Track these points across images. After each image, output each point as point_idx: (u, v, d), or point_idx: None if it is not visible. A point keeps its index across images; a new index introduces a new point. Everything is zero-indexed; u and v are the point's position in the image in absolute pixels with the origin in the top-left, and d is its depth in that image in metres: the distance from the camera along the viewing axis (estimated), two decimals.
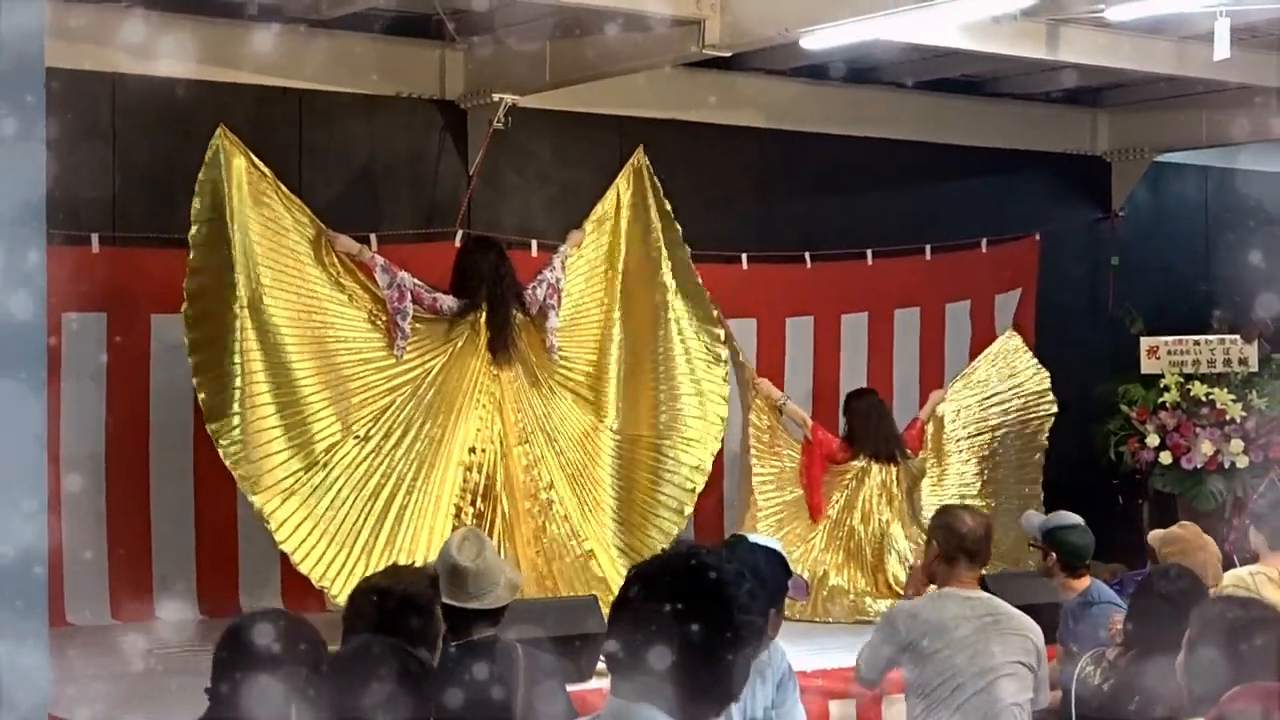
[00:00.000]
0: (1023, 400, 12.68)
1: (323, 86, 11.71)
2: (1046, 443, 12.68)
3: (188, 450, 11.07)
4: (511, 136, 11.89)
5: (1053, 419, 12.71)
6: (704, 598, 3.04)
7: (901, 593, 11.40)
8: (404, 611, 5.10)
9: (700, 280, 11.09)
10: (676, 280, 10.96)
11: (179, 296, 10.46)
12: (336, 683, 4.05)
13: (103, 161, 10.90)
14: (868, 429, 11.92)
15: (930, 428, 12.33)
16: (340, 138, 11.90)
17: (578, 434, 10.70)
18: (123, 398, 10.98)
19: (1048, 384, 12.77)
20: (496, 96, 11.62)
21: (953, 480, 12.27)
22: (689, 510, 10.93)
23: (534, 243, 12.01)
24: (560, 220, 11.67)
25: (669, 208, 10.93)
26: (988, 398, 12.63)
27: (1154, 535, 7.66)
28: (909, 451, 12.03)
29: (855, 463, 11.86)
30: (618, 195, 10.97)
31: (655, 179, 10.91)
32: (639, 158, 10.95)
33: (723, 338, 11.18)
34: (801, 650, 8.97)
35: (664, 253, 10.91)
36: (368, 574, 9.40)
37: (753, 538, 5.61)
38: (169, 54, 10.81)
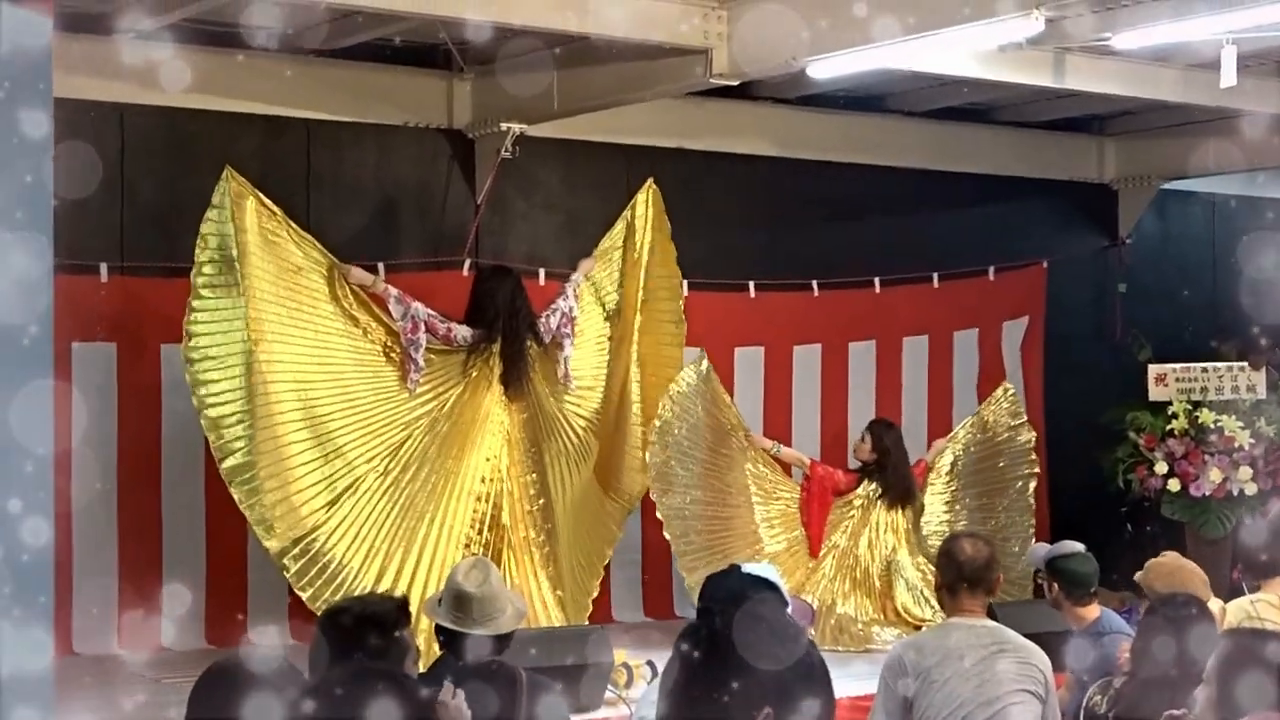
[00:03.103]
0: (1009, 458, 12.67)
1: (330, 116, 11.74)
2: (1033, 502, 12.68)
3: (198, 480, 11.07)
4: (519, 165, 11.91)
5: (1035, 479, 12.71)
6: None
7: (911, 620, 11.42)
8: (362, 629, 5.11)
9: (681, 313, 11.16)
10: (652, 308, 11.03)
11: None
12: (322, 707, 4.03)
13: (111, 191, 10.93)
14: (892, 466, 11.92)
15: (931, 474, 12.39)
16: (348, 167, 11.93)
17: (583, 466, 10.74)
18: (133, 428, 11.00)
19: (1033, 443, 12.77)
20: (504, 126, 11.65)
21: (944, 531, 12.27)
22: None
23: (542, 271, 12.03)
24: (568, 249, 11.70)
25: (670, 242, 11.01)
26: (982, 450, 12.63)
27: (1139, 576, 7.61)
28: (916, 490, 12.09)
29: (860, 492, 11.88)
30: (626, 226, 11.02)
31: (662, 212, 10.96)
32: (649, 190, 10.99)
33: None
34: None
35: (649, 283, 10.98)
36: None
37: (746, 566, 5.61)
38: (177, 84, 10.85)
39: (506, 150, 11.66)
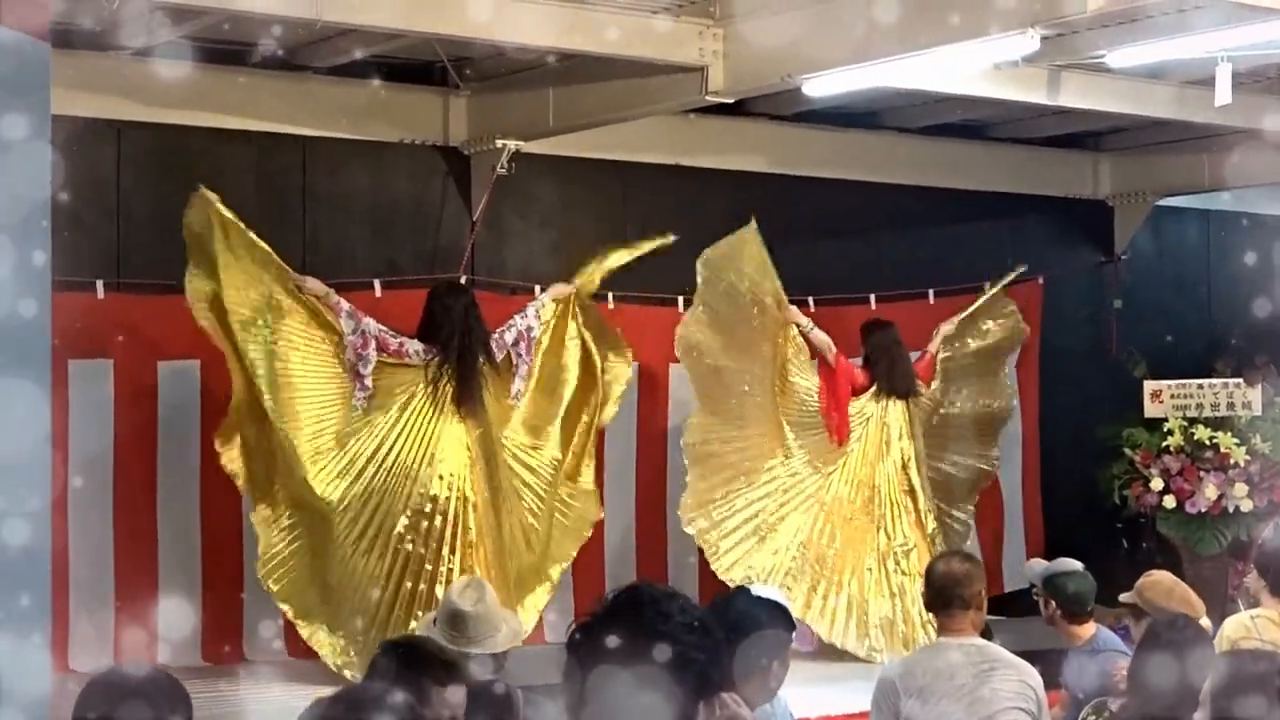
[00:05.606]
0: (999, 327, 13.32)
1: (327, 133, 11.74)
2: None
3: (194, 497, 11.07)
4: (515, 182, 11.91)
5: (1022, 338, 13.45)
6: (648, 638, 3.02)
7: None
8: (439, 665, 5.09)
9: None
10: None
11: (185, 344, 10.53)
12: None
13: (107, 208, 10.93)
14: (883, 365, 12.22)
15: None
16: (344, 184, 11.92)
17: (536, 482, 10.77)
18: (129, 446, 10.95)
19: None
20: (500, 142, 11.66)
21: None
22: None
23: (537, 288, 12.00)
24: (564, 265, 11.70)
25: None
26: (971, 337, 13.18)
27: (1125, 596, 7.57)
28: (920, 385, 12.38)
29: (869, 400, 12.12)
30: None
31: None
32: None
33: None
34: (808, 695, 8.97)
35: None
36: (333, 627, 9.66)
37: (755, 590, 5.61)
38: (173, 101, 10.86)
39: (502, 167, 11.66)
